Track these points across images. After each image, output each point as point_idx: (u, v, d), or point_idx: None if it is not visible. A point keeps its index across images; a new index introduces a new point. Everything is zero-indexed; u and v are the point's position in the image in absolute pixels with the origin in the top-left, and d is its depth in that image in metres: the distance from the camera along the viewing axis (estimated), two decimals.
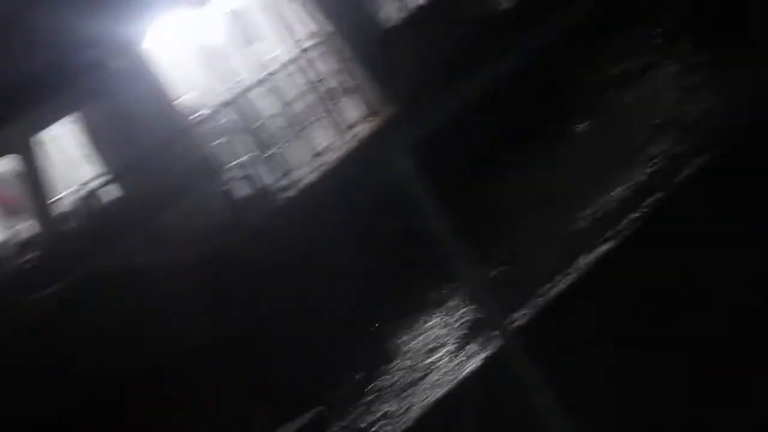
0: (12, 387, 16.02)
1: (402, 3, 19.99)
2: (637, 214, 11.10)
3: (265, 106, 19.26)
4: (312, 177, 18.34)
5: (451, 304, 12.50)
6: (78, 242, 17.73)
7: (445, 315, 12.38)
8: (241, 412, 13.50)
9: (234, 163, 18.74)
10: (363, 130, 18.97)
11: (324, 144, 19.19)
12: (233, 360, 14.61)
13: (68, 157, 19.01)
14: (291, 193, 18.26)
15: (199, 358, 15.16)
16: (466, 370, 10.49)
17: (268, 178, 18.58)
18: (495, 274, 12.11)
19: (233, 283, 16.56)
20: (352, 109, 19.58)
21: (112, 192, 18.24)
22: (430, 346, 11.89)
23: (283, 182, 18.59)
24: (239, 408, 13.64)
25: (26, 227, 18.64)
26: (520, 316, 10.26)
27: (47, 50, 17.62)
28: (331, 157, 18.66)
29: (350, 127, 19.15)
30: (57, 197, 18.32)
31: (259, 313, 15.74)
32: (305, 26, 20.09)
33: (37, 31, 17.74)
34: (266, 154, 18.88)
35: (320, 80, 19.68)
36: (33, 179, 17.92)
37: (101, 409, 15.08)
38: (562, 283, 10.67)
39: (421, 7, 19.85)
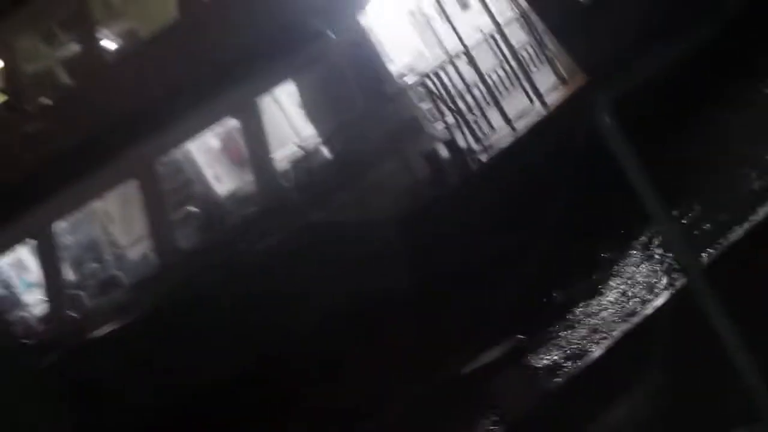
0: (231, 332, 17.48)
1: None
2: None
3: (467, 73, 20.03)
4: (507, 142, 19.02)
5: (644, 247, 13.30)
6: (294, 197, 18.79)
7: (639, 258, 13.19)
8: (443, 346, 14.32)
9: (436, 126, 19.67)
10: (555, 98, 19.48)
11: (519, 111, 20.01)
12: (435, 300, 15.43)
13: (288, 118, 20.10)
14: (487, 156, 19.00)
15: (404, 300, 16.24)
16: (655, 307, 11.26)
17: (466, 142, 19.50)
18: (686, 221, 12.85)
19: (435, 237, 17.36)
20: (545, 79, 20.25)
21: (327, 151, 19.38)
22: (624, 284, 12.71)
23: (481, 146, 19.31)
24: (442, 342, 14.41)
25: (248, 181, 19.87)
26: (707, 259, 10.99)
27: (273, 19, 18.66)
28: (526, 124, 19.25)
29: (544, 95, 19.78)
30: (277, 154, 19.43)
31: (459, 261, 16.49)
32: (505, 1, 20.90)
33: (263, 3, 19.08)
34: (465, 120, 19.76)
35: (517, 50, 20.40)
36: (255, 137, 19.03)
37: (319, 341, 16.44)
38: (744, 231, 11.39)
39: None
